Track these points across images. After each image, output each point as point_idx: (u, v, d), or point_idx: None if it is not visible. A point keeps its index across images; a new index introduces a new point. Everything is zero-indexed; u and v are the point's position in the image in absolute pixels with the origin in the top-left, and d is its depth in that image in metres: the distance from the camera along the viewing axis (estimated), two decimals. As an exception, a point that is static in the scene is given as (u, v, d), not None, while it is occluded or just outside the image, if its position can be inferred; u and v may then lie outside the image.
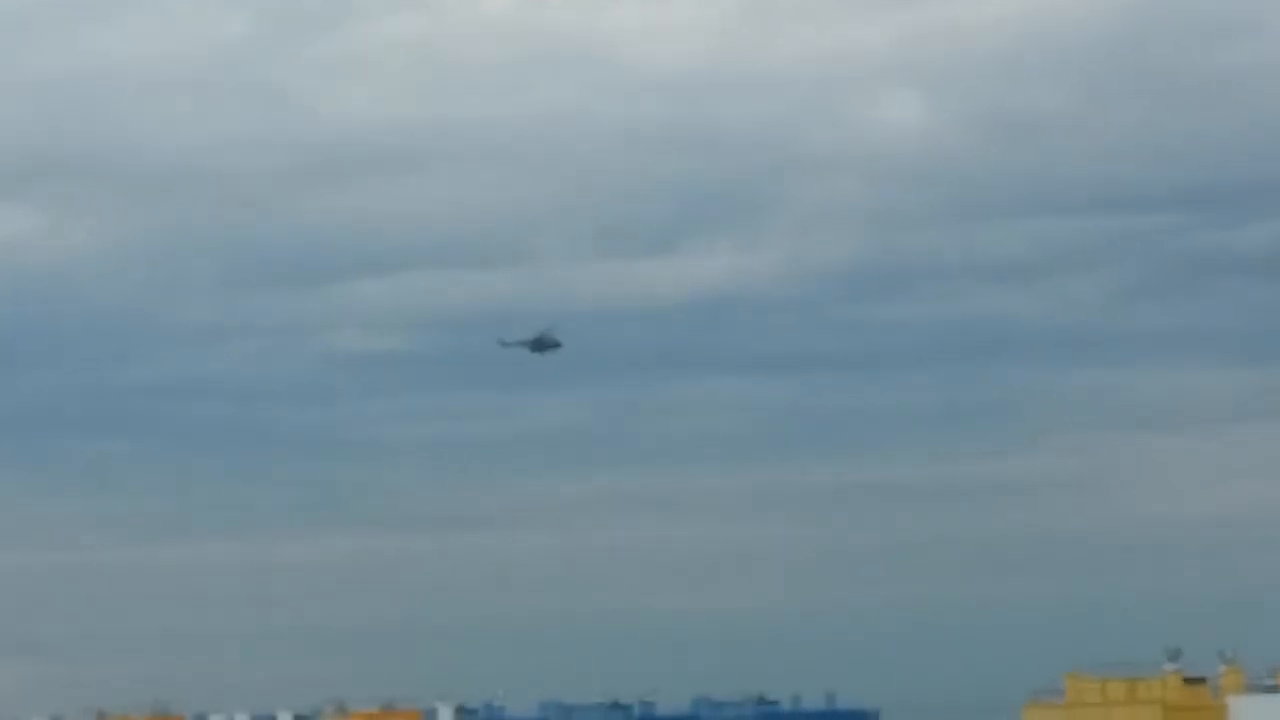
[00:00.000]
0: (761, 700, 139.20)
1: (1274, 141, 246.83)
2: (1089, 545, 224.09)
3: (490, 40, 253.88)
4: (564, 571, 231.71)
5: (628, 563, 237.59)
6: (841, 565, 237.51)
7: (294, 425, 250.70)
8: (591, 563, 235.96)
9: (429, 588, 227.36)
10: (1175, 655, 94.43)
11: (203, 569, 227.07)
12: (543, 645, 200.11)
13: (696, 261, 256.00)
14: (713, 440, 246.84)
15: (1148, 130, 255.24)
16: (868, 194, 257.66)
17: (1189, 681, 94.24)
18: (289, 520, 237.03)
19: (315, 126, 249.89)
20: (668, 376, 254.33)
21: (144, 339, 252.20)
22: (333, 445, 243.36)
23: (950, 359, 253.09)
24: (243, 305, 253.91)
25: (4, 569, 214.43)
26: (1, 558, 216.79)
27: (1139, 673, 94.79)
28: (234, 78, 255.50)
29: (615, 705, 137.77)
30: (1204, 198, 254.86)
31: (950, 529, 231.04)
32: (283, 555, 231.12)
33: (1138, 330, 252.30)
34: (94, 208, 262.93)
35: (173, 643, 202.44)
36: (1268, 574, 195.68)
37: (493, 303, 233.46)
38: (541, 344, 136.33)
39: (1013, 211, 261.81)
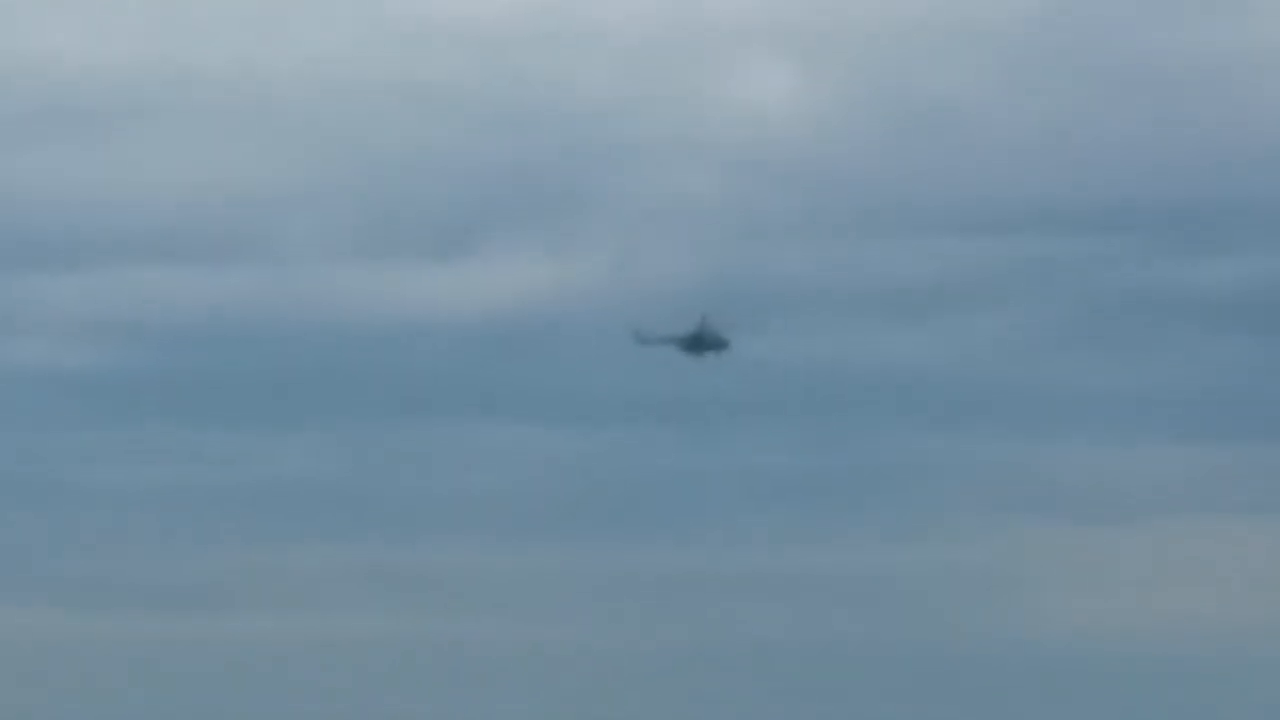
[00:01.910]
0: None
1: (1256, 151, 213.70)
2: (985, 663, 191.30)
3: None
4: (288, 667, 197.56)
5: (374, 658, 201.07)
6: (656, 675, 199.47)
7: None
8: (325, 656, 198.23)
9: (109, 681, 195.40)
10: None
11: None
12: None
13: (494, 268, 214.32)
14: (499, 504, 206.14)
15: (1089, 130, 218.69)
16: (721, 192, 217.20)
17: None
18: None
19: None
20: (447, 418, 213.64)
21: None
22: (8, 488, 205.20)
23: (814, 413, 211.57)
24: None
25: None
26: None
27: None
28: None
29: None
30: (1157, 220, 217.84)
31: (803, 634, 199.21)
32: None
33: (1060, 386, 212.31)
34: None
35: None
36: (1211, 711, 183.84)
37: (221, 310, 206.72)
38: (702, 343, 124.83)
39: (906, 226, 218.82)
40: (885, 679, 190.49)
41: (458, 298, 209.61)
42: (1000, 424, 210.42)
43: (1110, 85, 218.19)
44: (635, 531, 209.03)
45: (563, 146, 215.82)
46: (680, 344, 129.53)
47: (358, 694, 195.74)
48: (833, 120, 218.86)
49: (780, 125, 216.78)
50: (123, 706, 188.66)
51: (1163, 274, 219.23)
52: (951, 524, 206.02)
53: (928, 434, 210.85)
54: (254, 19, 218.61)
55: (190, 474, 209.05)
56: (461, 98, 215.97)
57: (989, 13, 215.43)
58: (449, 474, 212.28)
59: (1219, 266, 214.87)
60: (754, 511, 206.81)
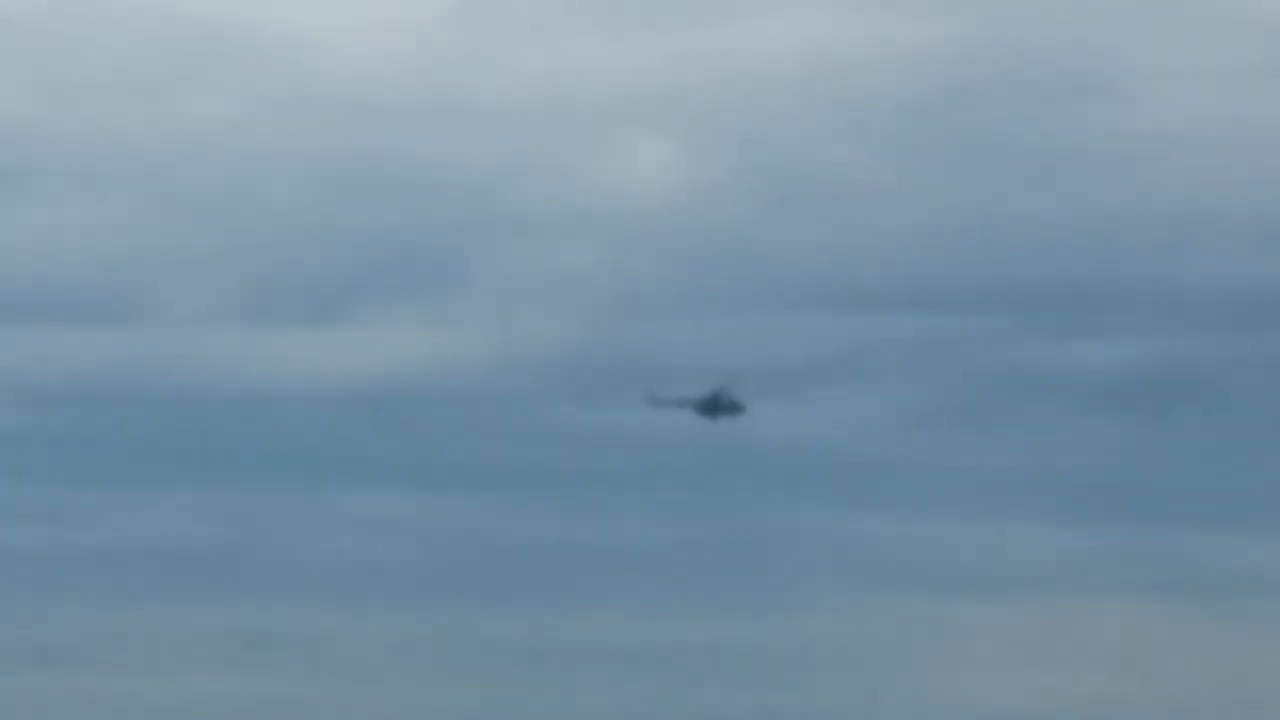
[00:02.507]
0: None
1: (1131, 234, 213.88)
2: None
3: (124, 33, 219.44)
4: None
5: None
6: None
7: None
8: (187, 718, 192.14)
9: None
10: None
11: None
12: None
13: (367, 336, 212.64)
14: (369, 570, 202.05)
15: (969, 208, 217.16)
16: (601, 266, 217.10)
17: None
18: None
19: None
20: (318, 483, 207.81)
21: None
22: None
23: (691, 486, 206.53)
24: None
25: None
26: None
27: None
28: None
29: None
30: (1036, 300, 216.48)
31: (669, 704, 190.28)
32: None
33: (933, 465, 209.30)
34: None
35: None
36: None
37: (91, 372, 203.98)
38: (717, 405, 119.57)
39: (786, 301, 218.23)
40: None
41: (330, 364, 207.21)
42: (871, 500, 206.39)
43: (987, 167, 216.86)
44: (502, 600, 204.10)
45: (441, 218, 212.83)
46: (695, 407, 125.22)
47: None
48: (716, 195, 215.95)
49: (660, 200, 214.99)
50: None
51: (1036, 354, 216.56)
52: (819, 598, 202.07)
53: (800, 509, 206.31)
54: (134, 84, 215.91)
55: (54, 534, 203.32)
56: (340, 167, 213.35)
57: (870, 93, 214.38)
58: (317, 539, 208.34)
59: (1092, 348, 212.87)
60: (623, 582, 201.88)
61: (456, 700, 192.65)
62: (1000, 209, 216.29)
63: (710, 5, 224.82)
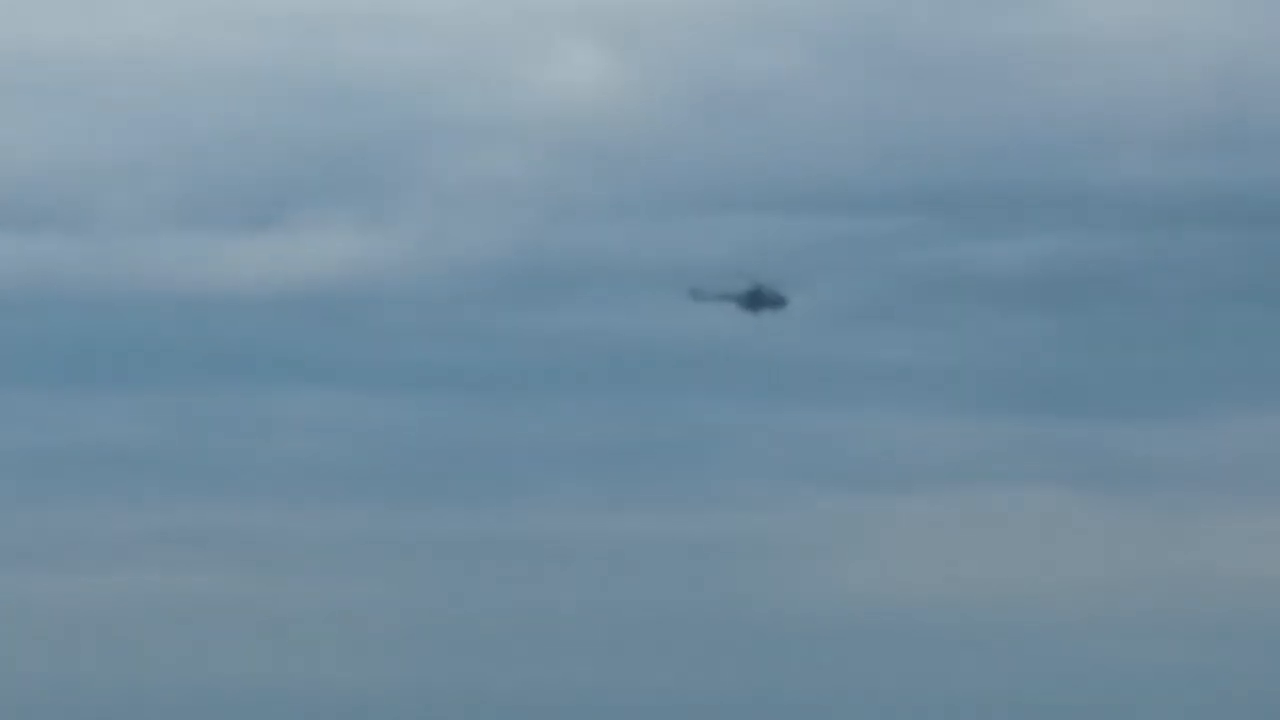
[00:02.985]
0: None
1: (1034, 139, 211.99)
2: (777, 625, 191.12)
3: None
4: (101, 626, 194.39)
5: (187, 619, 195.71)
6: (462, 636, 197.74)
7: None
8: (141, 616, 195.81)
9: None
10: None
11: None
12: (52, 707, 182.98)
13: (305, 240, 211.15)
14: (309, 470, 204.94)
15: (891, 112, 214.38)
16: (530, 171, 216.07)
17: None
18: None
19: None
20: (258, 385, 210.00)
21: None
22: None
23: (619, 385, 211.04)
24: None
25: None
26: None
27: None
28: None
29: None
30: (954, 201, 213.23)
31: (603, 596, 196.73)
32: None
33: (856, 362, 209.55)
34: None
35: None
36: (1002, 666, 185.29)
37: (33, 276, 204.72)
38: (760, 299, 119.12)
39: (712, 205, 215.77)
40: (677, 643, 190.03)
41: (268, 269, 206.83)
42: (798, 397, 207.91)
43: (916, 71, 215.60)
44: (442, 497, 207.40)
45: (378, 124, 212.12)
46: (738, 301, 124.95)
47: (170, 654, 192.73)
48: (641, 100, 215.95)
49: (590, 106, 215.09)
50: None
51: (957, 254, 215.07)
52: (746, 492, 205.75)
53: (727, 405, 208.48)
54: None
55: (1, 436, 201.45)
56: (277, 74, 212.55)
57: (795, 1, 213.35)
58: (256, 441, 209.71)
59: (1015, 247, 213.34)
60: (557, 479, 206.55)
61: (396, 593, 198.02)
62: (923, 113, 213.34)
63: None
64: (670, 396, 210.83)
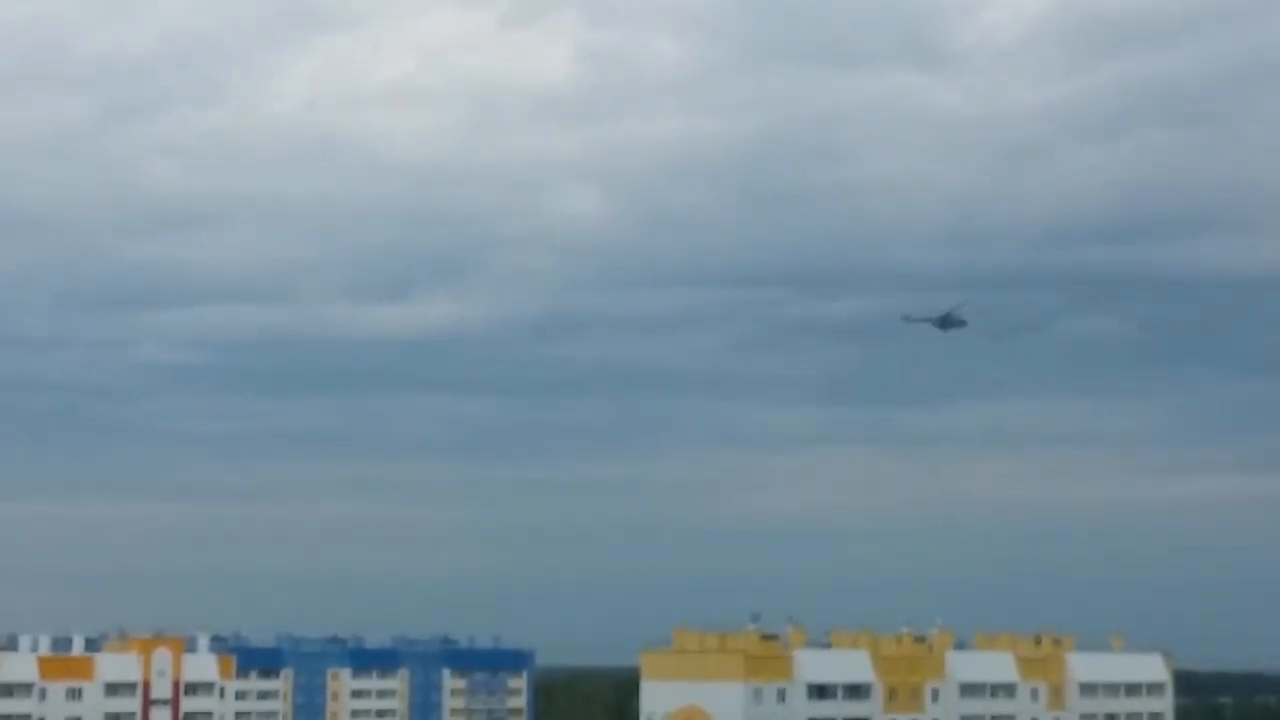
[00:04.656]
0: (445, 639, 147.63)
1: (852, 241, 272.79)
2: (705, 532, 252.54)
3: (278, 132, 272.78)
4: (304, 536, 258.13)
5: (352, 530, 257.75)
6: (513, 539, 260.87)
7: (108, 416, 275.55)
8: (325, 530, 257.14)
9: (201, 543, 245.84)
10: (756, 617, 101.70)
11: (22, 521, 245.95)
12: (281, 589, 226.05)
13: (421, 308, 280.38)
14: (424, 442, 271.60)
15: (763, 226, 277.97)
16: (553, 264, 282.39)
17: (765, 637, 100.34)
18: (92, 486, 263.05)
19: (136, 191, 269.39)
20: (394, 392, 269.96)
21: None
22: (134, 432, 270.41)
23: (610, 389, 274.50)
24: (72, 324, 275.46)
25: None
26: None
27: (729, 629, 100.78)
28: (74, 151, 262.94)
29: (334, 638, 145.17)
30: (802, 278, 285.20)
31: (597, 515, 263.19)
32: (91, 514, 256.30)
33: (750, 374, 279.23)
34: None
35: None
36: (833, 558, 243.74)
37: (265, 332, 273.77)
38: (948, 321, 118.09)
39: (662, 282, 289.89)
40: (649, 540, 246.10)
41: (400, 323, 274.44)
42: (716, 395, 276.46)
43: (778, 200, 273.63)
44: (504, 458, 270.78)
45: (460, 238, 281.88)
46: (934, 322, 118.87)
47: (347, 554, 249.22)
48: (620, 222, 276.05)
49: (589, 226, 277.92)
50: (197, 558, 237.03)
51: (807, 309, 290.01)
52: (690, 451, 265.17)
53: (674, 400, 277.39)
54: (283, 163, 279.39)
55: (239, 424, 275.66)
56: (405, 209, 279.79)
57: (713, 159, 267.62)
58: (397, 424, 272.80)
59: (839, 305, 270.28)
60: (572, 446, 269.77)
61: (480, 515, 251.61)
62: (782, 225, 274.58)
63: None
64: (642, 396, 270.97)
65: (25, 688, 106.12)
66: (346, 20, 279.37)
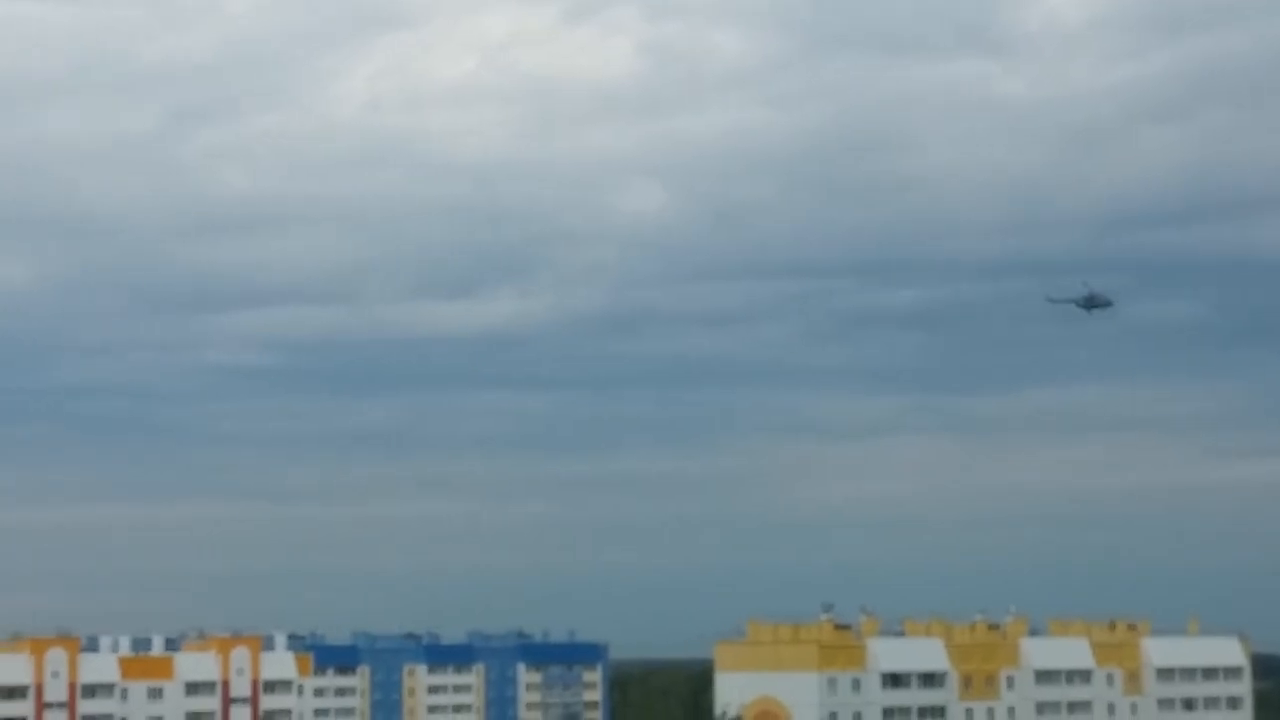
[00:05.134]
0: (520, 634, 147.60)
1: (915, 230, 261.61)
2: (776, 523, 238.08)
3: (341, 135, 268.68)
4: (377, 535, 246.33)
5: (423, 528, 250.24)
6: (585, 533, 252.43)
7: (174, 418, 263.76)
8: (394, 527, 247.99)
9: (274, 543, 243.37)
10: (828, 608, 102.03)
11: (99, 525, 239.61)
12: (355, 588, 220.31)
13: (486, 305, 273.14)
14: (493, 439, 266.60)
15: (826, 216, 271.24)
16: (616, 259, 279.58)
17: (838, 627, 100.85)
18: (165, 488, 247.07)
19: (202, 195, 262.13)
20: (461, 389, 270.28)
21: (63, 349, 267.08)
22: (204, 434, 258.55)
23: (671, 382, 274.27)
24: (142, 327, 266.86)
25: None
26: None
27: (801, 620, 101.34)
28: (140, 156, 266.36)
29: (409, 635, 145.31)
30: (865, 268, 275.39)
31: (668, 508, 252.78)
32: (158, 515, 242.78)
33: (815, 365, 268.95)
34: (28, 248, 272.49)
35: (74, 580, 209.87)
36: (903, 547, 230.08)
37: (331, 332, 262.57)
38: (1093, 302, 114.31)
39: (724, 274, 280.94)
40: (714, 532, 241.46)
41: (465, 322, 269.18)
42: (779, 386, 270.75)
43: (841, 193, 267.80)
44: (567, 450, 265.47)
45: (524, 235, 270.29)
46: (1078, 303, 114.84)
47: (420, 545, 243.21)
48: (681, 216, 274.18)
49: (651, 220, 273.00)
50: (266, 560, 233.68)
51: (870, 299, 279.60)
52: (753, 442, 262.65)
53: (736, 392, 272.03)
54: (347, 165, 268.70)
55: (311, 425, 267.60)
56: (469, 207, 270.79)
57: (770, 151, 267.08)
58: (463, 420, 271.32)
59: (902, 295, 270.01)
60: (632, 438, 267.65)
61: (544, 506, 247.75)
62: (845, 217, 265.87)
63: None
64: (704, 388, 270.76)
65: (107, 688, 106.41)
66: (407, 21, 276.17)
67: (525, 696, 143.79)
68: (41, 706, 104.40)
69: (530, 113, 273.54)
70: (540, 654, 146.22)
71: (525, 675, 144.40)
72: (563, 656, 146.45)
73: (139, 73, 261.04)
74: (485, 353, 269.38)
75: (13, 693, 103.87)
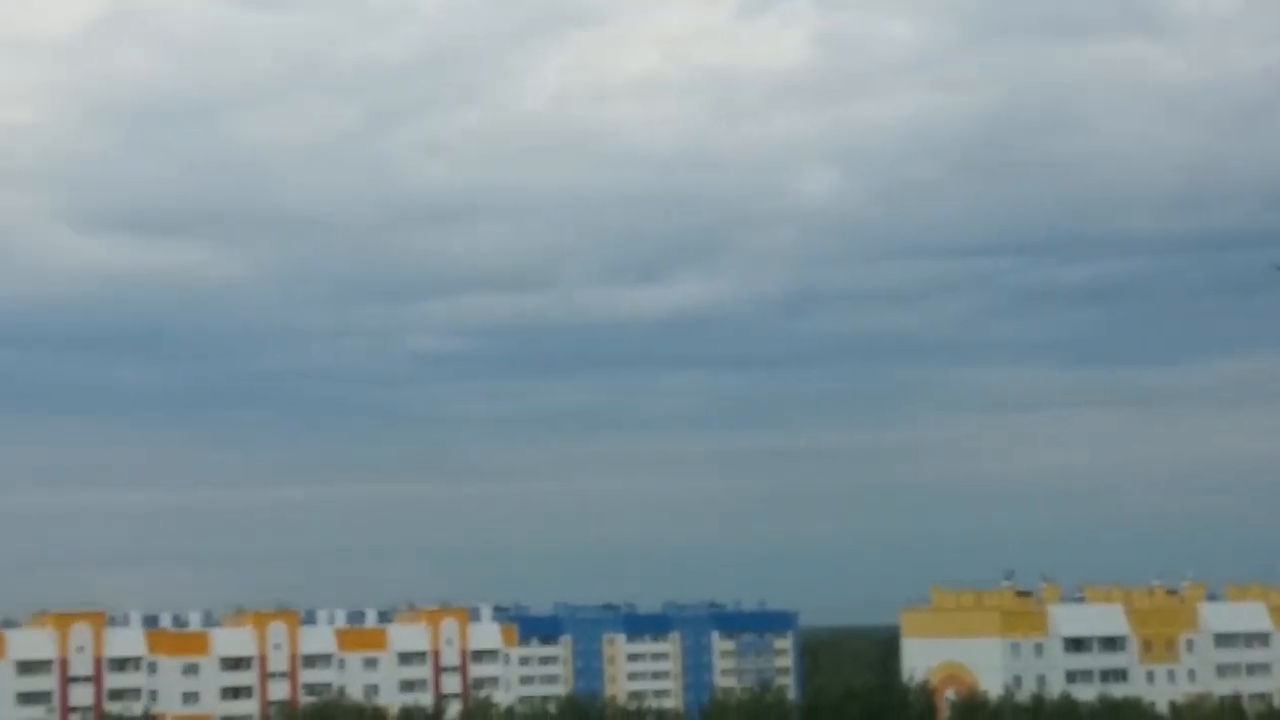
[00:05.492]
0: (713, 604, 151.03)
1: (1085, 208, 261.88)
2: (956, 493, 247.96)
3: (530, 128, 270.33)
4: (574, 510, 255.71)
5: (619, 503, 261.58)
6: (772, 506, 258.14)
7: (383, 402, 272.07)
8: (592, 503, 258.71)
9: (478, 519, 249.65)
10: (1010, 574, 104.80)
11: (315, 504, 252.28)
12: (556, 561, 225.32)
13: (672, 289, 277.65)
14: (684, 416, 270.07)
15: (999, 196, 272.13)
16: (796, 241, 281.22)
17: (1020, 594, 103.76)
18: (374, 468, 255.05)
19: (403, 189, 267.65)
20: (650, 369, 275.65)
21: (278, 338, 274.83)
22: (410, 416, 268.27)
23: (854, 359, 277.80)
24: (350, 315, 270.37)
25: (177, 504, 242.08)
26: (174, 495, 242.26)
27: (983, 587, 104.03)
28: (345, 153, 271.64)
29: (608, 606, 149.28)
30: (1039, 246, 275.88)
31: (851, 480, 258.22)
32: (368, 494, 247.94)
33: (992, 340, 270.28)
34: (244, 244, 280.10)
35: (288, 555, 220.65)
36: (1080, 516, 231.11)
37: (525, 317, 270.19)
38: None
39: (901, 254, 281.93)
40: (898, 503, 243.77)
41: (652, 305, 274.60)
42: (957, 361, 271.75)
43: (1009, 174, 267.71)
44: (759, 427, 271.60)
45: (708, 221, 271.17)
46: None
47: (613, 520, 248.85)
48: (858, 199, 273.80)
49: (829, 203, 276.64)
50: (485, 534, 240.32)
51: (1044, 275, 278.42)
52: (931, 417, 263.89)
53: (915, 368, 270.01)
54: (537, 156, 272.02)
55: (512, 406, 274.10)
56: (654, 195, 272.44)
57: (943, 134, 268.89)
58: (649, 399, 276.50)
59: (1076, 271, 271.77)
60: (813, 414, 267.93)
61: (733, 482, 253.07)
62: (1016, 196, 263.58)
63: None
64: (884, 365, 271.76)
65: (325, 658, 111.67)
66: (593, 18, 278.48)
67: (720, 664, 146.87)
68: (265, 676, 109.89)
69: (710, 103, 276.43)
70: (733, 622, 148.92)
71: (719, 643, 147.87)
72: (754, 625, 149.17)
73: (341, 75, 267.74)
74: (673, 334, 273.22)
75: (238, 663, 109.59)
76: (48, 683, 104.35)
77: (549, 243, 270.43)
